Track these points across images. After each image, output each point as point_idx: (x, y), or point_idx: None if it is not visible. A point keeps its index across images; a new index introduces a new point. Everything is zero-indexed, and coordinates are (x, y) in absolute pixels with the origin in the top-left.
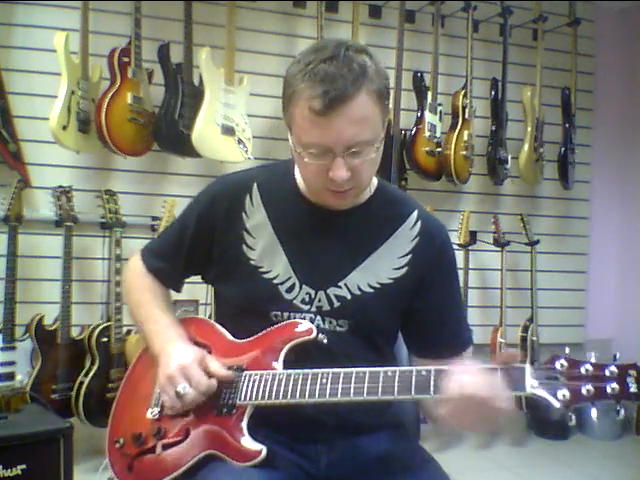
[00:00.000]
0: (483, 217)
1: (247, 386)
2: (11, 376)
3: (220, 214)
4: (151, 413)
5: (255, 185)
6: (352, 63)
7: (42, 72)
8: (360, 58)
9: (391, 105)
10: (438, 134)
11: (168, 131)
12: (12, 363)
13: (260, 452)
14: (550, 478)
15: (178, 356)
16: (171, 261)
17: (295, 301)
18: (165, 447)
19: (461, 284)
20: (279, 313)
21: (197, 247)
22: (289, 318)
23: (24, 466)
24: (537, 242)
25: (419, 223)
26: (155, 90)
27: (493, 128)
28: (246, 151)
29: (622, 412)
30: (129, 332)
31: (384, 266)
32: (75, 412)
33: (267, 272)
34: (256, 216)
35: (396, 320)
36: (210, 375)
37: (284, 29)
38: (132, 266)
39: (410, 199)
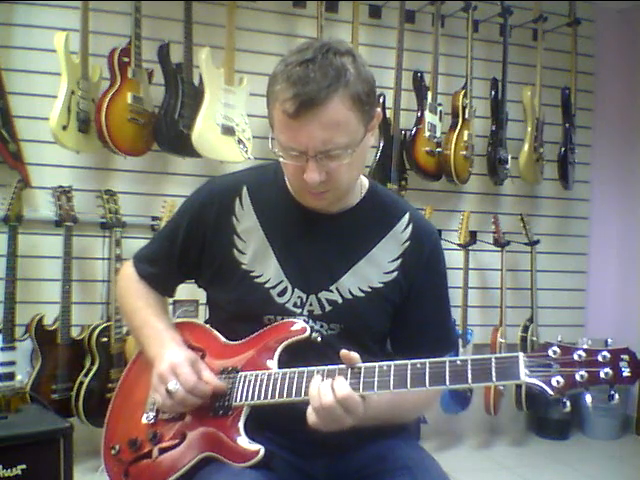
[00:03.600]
0: (483, 217)
1: (242, 387)
2: (11, 376)
3: (210, 219)
4: (146, 418)
5: (245, 188)
6: (328, 67)
7: (42, 72)
8: (340, 61)
9: (391, 105)
10: (438, 134)
11: (168, 131)
12: (12, 363)
13: (258, 452)
14: (550, 478)
15: (170, 356)
16: (163, 267)
17: (287, 305)
18: (161, 451)
19: (461, 284)
20: (272, 317)
21: (188, 253)
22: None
23: (24, 466)
24: (537, 242)
25: (410, 226)
26: (155, 90)
27: (493, 128)
28: (246, 151)
29: (616, 397)
30: (129, 332)
31: (375, 270)
32: (75, 412)
33: (258, 276)
34: (246, 220)
35: (386, 322)
36: (203, 381)
37: (284, 29)
38: (124, 273)
39: (402, 201)
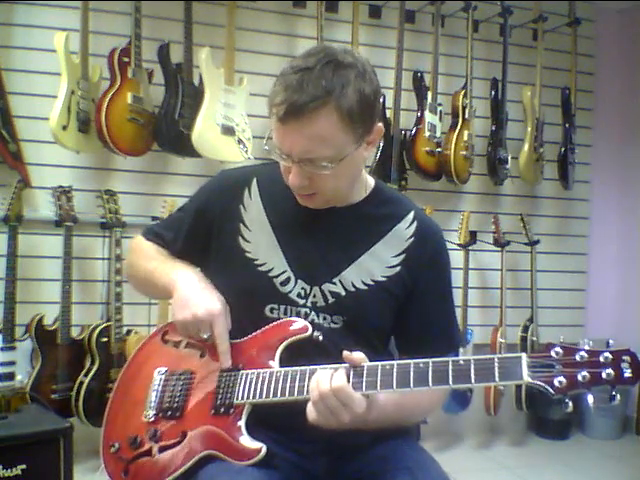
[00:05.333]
0: (483, 217)
1: (244, 385)
2: (11, 376)
3: (218, 206)
4: (146, 416)
5: (255, 180)
6: (322, 80)
7: (42, 72)
8: (338, 75)
9: (391, 105)
10: (438, 134)
11: (168, 131)
12: (12, 363)
13: (260, 450)
14: (550, 478)
15: (208, 298)
16: (168, 246)
17: (291, 295)
18: (162, 449)
19: (461, 284)
20: (276, 306)
21: (193, 241)
22: (285, 311)
23: (24, 466)
24: (537, 242)
25: (415, 224)
26: (155, 90)
27: (493, 128)
28: (246, 151)
29: (617, 397)
30: (129, 332)
31: (378, 264)
32: (75, 412)
33: (262, 264)
34: (253, 210)
35: (390, 318)
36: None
37: (284, 29)
38: (133, 244)
39: (407, 200)
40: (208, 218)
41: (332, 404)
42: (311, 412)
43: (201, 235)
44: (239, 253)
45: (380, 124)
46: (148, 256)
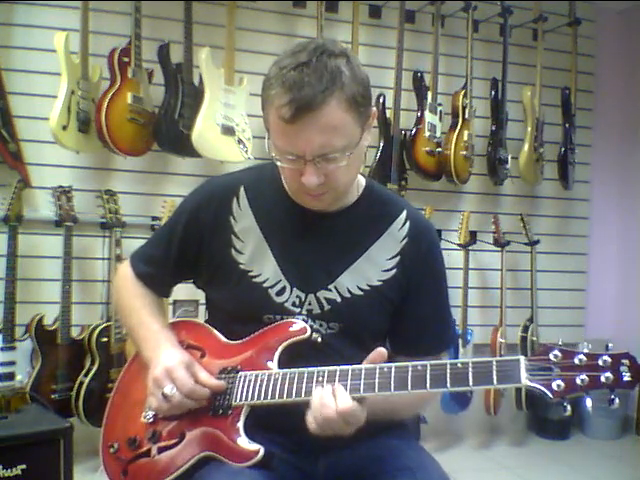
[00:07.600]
0: (483, 217)
1: (242, 386)
2: (11, 376)
3: (207, 219)
4: (145, 417)
5: (242, 188)
6: (323, 70)
7: (42, 72)
8: (335, 63)
9: (391, 105)
10: (438, 134)
11: (168, 131)
12: (12, 363)
13: (257, 452)
14: (550, 478)
15: (165, 359)
16: (159, 267)
17: (286, 304)
18: (160, 450)
19: (461, 284)
20: (271, 316)
21: (185, 253)
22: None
23: (24, 466)
24: (537, 242)
25: (408, 224)
26: (155, 90)
27: (493, 128)
28: (246, 151)
29: (617, 401)
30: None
31: (373, 268)
32: (75, 412)
33: (257, 276)
34: (244, 220)
35: (386, 321)
36: (199, 384)
37: (284, 29)
38: (122, 273)
39: (399, 199)
40: (198, 231)
41: (338, 425)
42: (315, 430)
43: (192, 249)
44: (233, 265)
45: (374, 108)
46: (132, 304)
